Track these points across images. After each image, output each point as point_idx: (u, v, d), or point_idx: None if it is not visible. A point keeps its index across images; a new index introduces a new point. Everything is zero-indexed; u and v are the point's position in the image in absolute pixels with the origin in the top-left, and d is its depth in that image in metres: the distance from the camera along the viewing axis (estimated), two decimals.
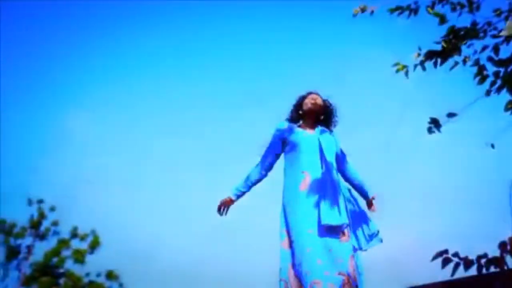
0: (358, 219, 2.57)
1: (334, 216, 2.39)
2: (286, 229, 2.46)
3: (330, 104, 2.99)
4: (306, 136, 2.75)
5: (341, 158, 2.82)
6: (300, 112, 2.90)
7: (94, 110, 28.35)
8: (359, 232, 2.53)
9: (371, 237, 2.53)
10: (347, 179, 2.82)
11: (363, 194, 2.81)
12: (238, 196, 2.73)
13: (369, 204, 2.79)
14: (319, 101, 2.92)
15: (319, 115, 2.88)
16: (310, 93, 2.96)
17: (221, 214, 2.67)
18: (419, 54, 2.62)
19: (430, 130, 2.68)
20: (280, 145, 2.79)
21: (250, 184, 2.75)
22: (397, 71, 2.68)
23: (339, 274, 2.22)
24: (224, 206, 2.69)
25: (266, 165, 2.79)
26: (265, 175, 2.80)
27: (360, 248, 2.50)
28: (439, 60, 2.51)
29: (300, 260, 2.28)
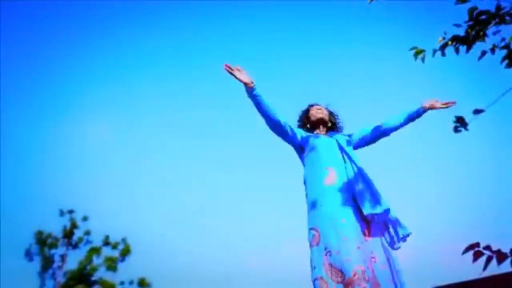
0: (394, 227, 2.49)
1: (374, 205, 2.40)
2: (316, 225, 2.40)
3: (332, 110, 3.10)
4: (323, 138, 2.80)
5: (358, 134, 2.89)
6: (309, 125, 2.99)
7: (115, 118, 28.94)
8: (391, 230, 2.47)
9: (403, 237, 2.45)
10: (380, 132, 2.86)
11: (412, 115, 2.84)
12: (258, 93, 2.61)
13: (432, 107, 2.80)
14: (324, 110, 3.02)
15: (328, 122, 2.98)
16: (311, 105, 3.06)
17: (229, 71, 2.57)
18: (443, 38, 2.47)
19: (456, 130, 2.55)
20: (296, 133, 2.80)
21: (269, 107, 2.64)
22: (416, 55, 2.55)
23: (369, 268, 2.23)
24: (239, 74, 2.58)
25: (283, 123, 2.72)
26: (275, 119, 2.66)
27: (392, 247, 2.44)
28: (462, 48, 2.39)
29: (338, 249, 2.25)
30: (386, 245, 2.43)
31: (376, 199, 2.40)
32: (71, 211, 17.95)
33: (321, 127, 2.94)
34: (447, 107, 2.79)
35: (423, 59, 2.49)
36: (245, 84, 2.58)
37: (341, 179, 2.52)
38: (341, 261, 2.19)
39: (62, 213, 17.85)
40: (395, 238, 2.44)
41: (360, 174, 2.53)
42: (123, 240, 17.83)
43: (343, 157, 2.64)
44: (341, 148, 2.68)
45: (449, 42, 2.40)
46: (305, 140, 2.77)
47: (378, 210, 2.37)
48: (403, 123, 2.85)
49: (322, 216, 2.40)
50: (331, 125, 3.01)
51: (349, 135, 2.91)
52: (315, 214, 2.43)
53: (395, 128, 2.85)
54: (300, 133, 2.81)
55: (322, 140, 2.74)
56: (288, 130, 2.72)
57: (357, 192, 2.43)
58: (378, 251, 2.35)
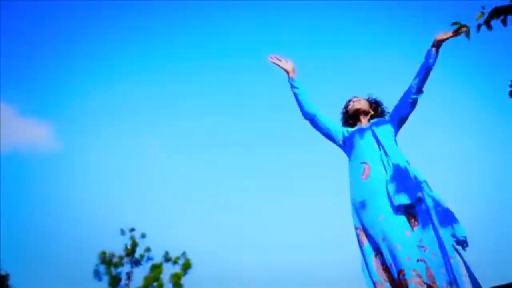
0: (442, 217, 2.28)
1: (403, 195, 2.29)
2: (358, 224, 2.40)
3: (374, 98, 2.99)
4: (359, 130, 2.73)
5: (397, 111, 2.73)
6: (350, 120, 2.92)
7: (165, 136, 29.74)
8: (443, 232, 2.23)
9: (458, 237, 2.23)
10: (410, 99, 2.62)
11: (424, 64, 2.56)
12: (298, 84, 2.86)
13: (443, 39, 2.51)
14: (362, 100, 2.92)
15: (368, 112, 2.87)
16: (349, 100, 2.98)
17: (275, 62, 2.89)
18: (483, 13, 2.28)
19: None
20: (334, 129, 2.83)
21: (305, 100, 2.85)
22: (457, 31, 2.39)
23: (421, 260, 2.13)
24: (280, 62, 2.88)
25: (319, 116, 2.85)
26: (310, 112, 2.84)
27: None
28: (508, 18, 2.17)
29: (381, 249, 2.23)
30: (439, 233, 2.24)
31: (405, 188, 2.29)
32: (131, 230, 18.51)
33: (361, 117, 2.84)
34: (457, 35, 2.43)
35: (467, 34, 2.35)
36: (286, 72, 2.86)
37: (376, 172, 2.45)
38: (387, 262, 2.17)
39: (123, 232, 18.43)
40: (449, 234, 2.24)
41: (393, 164, 2.43)
42: (183, 254, 18.18)
43: (378, 148, 2.55)
44: (376, 139, 2.59)
45: (489, 17, 2.21)
46: (346, 137, 2.75)
47: (404, 200, 2.26)
48: (420, 71, 2.56)
49: (361, 214, 2.39)
50: (374, 113, 2.90)
51: (392, 115, 2.79)
52: (356, 212, 2.43)
53: (417, 83, 2.58)
54: (342, 131, 2.80)
55: (359, 134, 2.68)
56: (321, 123, 2.81)
57: (389, 183, 2.35)
58: (428, 239, 2.22)
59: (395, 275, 2.11)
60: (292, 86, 2.85)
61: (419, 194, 2.29)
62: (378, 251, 2.26)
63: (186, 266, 17.75)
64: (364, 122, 2.82)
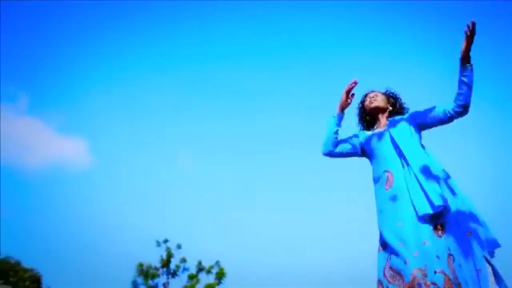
0: (470, 226, 2.26)
1: (426, 205, 2.21)
2: (380, 230, 2.37)
3: (392, 92, 2.78)
4: (377, 135, 2.59)
5: (419, 116, 2.54)
6: (368, 117, 2.78)
7: (197, 148, 30.20)
8: (472, 242, 2.23)
9: (489, 245, 2.23)
10: (437, 120, 2.46)
11: (460, 83, 2.35)
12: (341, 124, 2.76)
13: (470, 36, 2.26)
14: (379, 95, 2.73)
15: (385, 109, 2.70)
16: (366, 94, 2.80)
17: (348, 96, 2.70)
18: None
19: None
20: (357, 143, 2.71)
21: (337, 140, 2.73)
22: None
23: (439, 272, 2.05)
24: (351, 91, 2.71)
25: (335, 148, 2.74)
26: (332, 150, 2.74)
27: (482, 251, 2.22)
28: None
29: (396, 253, 2.18)
30: (468, 243, 2.22)
31: (427, 197, 2.22)
32: (166, 241, 18.83)
33: (379, 116, 2.69)
34: (471, 36, 2.25)
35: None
36: (343, 107, 2.72)
37: (399, 180, 2.36)
38: (400, 264, 2.13)
39: (158, 244, 18.79)
40: (478, 243, 2.22)
41: (415, 169, 2.33)
42: (217, 263, 18.34)
43: (398, 153, 2.44)
44: (394, 143, 2.47)
45: None
46: (364, 144, 2.65)
47: (428, 210, 2.19)
48: (459, 89, 2.37)
49: (382, 224, 2.35)
50: (393, 109, 2.71)
51: (412, 116, 2.58)
52: (379, 219, 2.40)
53: (457, 100, 2.37)
54: (358, 141, 2.70)
55: (377, 138, 2.57)
56: (339, 153, 2.73)
57: (411, 191, 2.28)
58: (455, 249, 2.17)
59: (405, 279, 2.08)
60: (338, 124, 2.72)
61: (444, 203, 2.19)
62: (390, 255, 2.21)
63: (220, 275, 17.91)
64: (382, 121, 2.67)
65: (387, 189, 2.39)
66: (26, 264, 21.27)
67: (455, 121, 2.43)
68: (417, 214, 2.20)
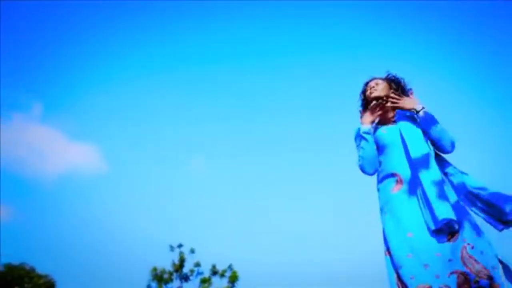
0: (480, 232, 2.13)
1: (443, 212, 2.05)
2: (385, 235, 2.23)
3: (393, 76, 2.57)
4: (386, 133, 2.41)
5: (422, 123, 2.36)
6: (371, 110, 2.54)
7: (209, 151, 30.24)
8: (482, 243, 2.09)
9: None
10: (434, 144, 2.34)
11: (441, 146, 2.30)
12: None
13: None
14: (380, 83, 2.53)
15: (389, 98, 2.48)
16: (366, 83, 2.60)
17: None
18: None
19: None
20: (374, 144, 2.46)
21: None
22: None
23: (452, 273, 1.97)
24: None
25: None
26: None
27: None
28: None
29: (402, 264, 2.06)
30: (480, 245, 2.09)
31: (431, 211, 2.07)
32: (179, 246, 18.91)
33: (384, 108, 2.49)
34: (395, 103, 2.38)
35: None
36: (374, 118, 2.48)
37: (407, 186, 2.22)
38: (406, 278, 2.01)
39: (172, 248, 18.86)
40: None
41: (420, 176, 2.18)
42: (230, 267, 18.37)
43: (407, 157, 2.28)
44: (404, 144, 2.30)
45: None
46: (376, 141, 2.43)
47: (431, 225, 2.05)
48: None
49: (387, 229, 2.21)
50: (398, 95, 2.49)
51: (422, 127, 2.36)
52: (384, 221, 2.25)
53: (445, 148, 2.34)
54: (371, 136, 2.45)
55: (385, 136, 2.39)
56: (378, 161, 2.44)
57: (423, 201, 2.12)
58: (471, 235, 2.07)
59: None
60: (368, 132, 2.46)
61: (443, 216, 2.03)
62: (398, 266, 2.08)
63: (233, 279, 17.95)
64: (390, 114, 2.48)
65: (394, 192, 2.26)
66: (41, 270, 21.49)
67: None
68: (426, 224, 2.08)
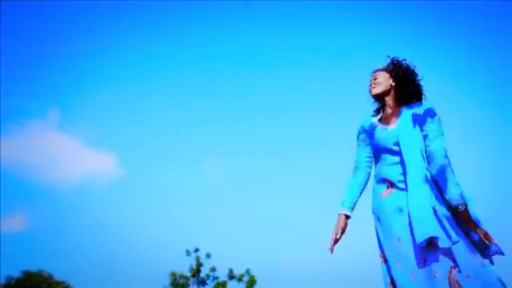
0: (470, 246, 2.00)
1: (423, 230, 1.93)
2: (378, 241, 2.16)
3: (396, 65, 2.27)
4: (384, 135, 2.21)
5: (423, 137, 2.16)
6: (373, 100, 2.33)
7: (227, 155, 30.20)
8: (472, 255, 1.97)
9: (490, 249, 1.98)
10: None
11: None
12: (353, 208, 2.27)
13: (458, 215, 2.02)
14: (380, 75, 2.26)
15: (390, 89, 2.23)
16: (371, 74, 2.33)
17: (332, 251, 2.20)
18: None
19: None
20: (367, 143, 2.33)
21: (362, 189, 2.31)
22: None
23: None
24: (341, 232, 2.23)
25: (365, 164, 2.33)
26: (369, 173, 2.33)
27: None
28: None
29: (392, 274, 2.01)
30: (475, 250, 1.99)
31: (416, 224, 1.95)
32: (196, 250, 18.88)
33: (386, 99, 2.26)
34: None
35: None
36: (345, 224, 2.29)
37: (397, 193, 2.10)
38: (397, 283, 1.97)
39: (188, 253, 18.84)
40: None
41: (417, 189, 2.04)
42: (247, 271, 18.26)
43: (401, 163, 2.13)
44: (399, 149, 2.13)
45: None
46: (369, 135, 2.30)
47: (417, 239, 1.91)
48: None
49: (380, 235, 2.13)
50: (397, 82, 2.23)
51: (425, 125, 2.15)
52: (376, 231, 2.16)
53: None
54: (362, 142, 2.33)
55: (382, 139, 2.20)
56: (368, 156, 2.33)
57: (411, 214, 1.99)
58: (462, 259, 1.94)
59: None
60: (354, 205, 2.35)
61: (425, 236, 1.91)
62: (390, 275, 2.04)
63: (251, 283, 17.83)
64: (390, 103, 2.22)
65: (383, 197, 2.16)
66: (58, 277, 21.60)
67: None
68: (411, 231, 1.99)
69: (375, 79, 2.27)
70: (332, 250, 2.22)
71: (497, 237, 2.03)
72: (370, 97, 2.32)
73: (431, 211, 1.98)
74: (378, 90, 2.25)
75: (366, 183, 2.33)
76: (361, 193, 2.32)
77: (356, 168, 2.37)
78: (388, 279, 2.05)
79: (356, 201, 2.31)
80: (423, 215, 1.97)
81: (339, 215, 2.28)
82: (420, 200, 2.02)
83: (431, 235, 1.91)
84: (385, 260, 2.08)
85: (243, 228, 26.71)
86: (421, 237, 1.91)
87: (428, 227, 1.93)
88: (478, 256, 1.96)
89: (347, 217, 2.25)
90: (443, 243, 1.90)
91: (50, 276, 21.44)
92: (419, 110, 2.17)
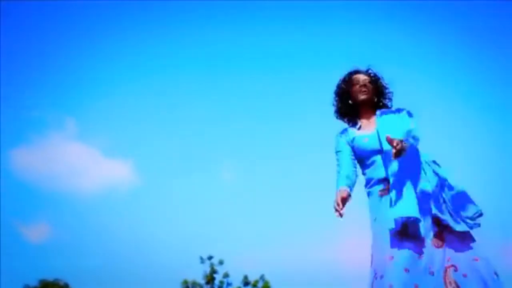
0: (456, 203, 2.01)
1: (403, 209, 1.95)
2: (372, 242, 2.14)
3: (375, 76, 2.38)
4: (366, 141, 2.25)
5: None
6: (351, 102, 2.36)
7: (244, 160, 30.22)
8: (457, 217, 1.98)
9: (470, 219, 1.98)
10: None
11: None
12: (351, 188, 2.22)
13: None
14: (368, 83, 2.35)
15: (372, 99, 2.34)
16: (350, 74, 2.41)
17: (341, 214, 2.10)
18: None
19: None
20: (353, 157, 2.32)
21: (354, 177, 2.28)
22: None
23: None
24: (343, 203, 2.13)
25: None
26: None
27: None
28: None
29: (383, 272, 1.91)
30: (471, 247, 1.96)
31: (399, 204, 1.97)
32: (210, 257, 18.86)
33: (365, 107, 2.34)
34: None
35: None
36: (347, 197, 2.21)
37: (394, 189, 2.06)
38: (384, 286, 1.87)
39: (202, 260, 18.83)
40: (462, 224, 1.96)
41: (403, 176, 2.04)
42: (262, 277, 18.16)
43: (384, 161, 2.15)
44: (381, 148, 2.15)
45: None
46: (354, 148, 2.30)
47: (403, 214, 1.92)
48: None
49: (373, 231, 2.12)
50: (378, 100, 2.36)
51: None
52: (372, 229, 2.15)
53: None
54: (349, 145, 2.32)
55: (366, 145, 2.24)
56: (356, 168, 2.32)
57: (395, 197, 2.00)
58: (458, 257, 1.93)
59: None
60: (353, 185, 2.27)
61: (405, 214, 1.92)
62: (375, 276, 1.97)
63: None
64: (367, 114, 2.33)
65: (381, 195, 2.16)
66: (75, 286, 21.76)
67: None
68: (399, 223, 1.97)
69: (364, 85, 2.33)
70: (341, 215, 2.09)
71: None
72: (341, 90, 2.41)
73: (413, 194, 1.98)
74: (367, 97, 2.33)
75: (356, 177, 2.29)
76: (355, 176, 2.27)
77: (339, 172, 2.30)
78: (371, 284, 1.99)
79: (353, 183, 2.24)
80: (404, 197, 1.97)
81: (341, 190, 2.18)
82: (404, 185, 2.01)
83: (407, 215, 1.91)
84: (371, 265, 2.04)
85: (258, 233, 26.61)
86: (397, 214, 1.92)
87: (407, 208, 1.93)
88: (471, 248, 1.94)
89: (349, 195, 2.16)
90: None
91: (66, 286, 21.64)
92: (391, 110, 2.33)
